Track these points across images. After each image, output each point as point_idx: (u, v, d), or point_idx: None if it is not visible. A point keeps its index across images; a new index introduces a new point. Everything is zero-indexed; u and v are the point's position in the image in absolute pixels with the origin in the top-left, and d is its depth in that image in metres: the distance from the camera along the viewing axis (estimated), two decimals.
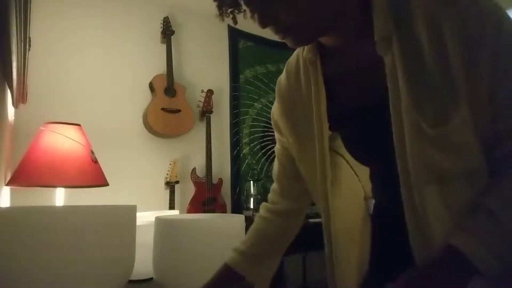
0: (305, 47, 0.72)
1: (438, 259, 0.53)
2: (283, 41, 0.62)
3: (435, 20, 0.55)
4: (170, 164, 2.46)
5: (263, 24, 0.59)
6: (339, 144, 0.75)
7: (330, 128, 0.70)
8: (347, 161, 0.78)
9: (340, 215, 0.74)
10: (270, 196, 0.91)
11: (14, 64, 1.16)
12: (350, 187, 0.79)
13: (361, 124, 0.67)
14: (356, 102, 0.67)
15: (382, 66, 0.58)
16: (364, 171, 0.78)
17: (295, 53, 0.79)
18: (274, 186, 0.90)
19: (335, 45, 0.67)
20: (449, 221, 0.54)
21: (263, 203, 0.91)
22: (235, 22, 0.61)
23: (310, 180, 0.76)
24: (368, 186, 0.79)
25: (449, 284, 0.51)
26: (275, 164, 0.90)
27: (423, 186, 0.54)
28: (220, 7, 0.60)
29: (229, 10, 0.60)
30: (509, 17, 0.55)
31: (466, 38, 0.53)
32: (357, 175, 0.79)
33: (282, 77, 0.82)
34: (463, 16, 0.53)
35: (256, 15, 0.58)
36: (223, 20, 0.61)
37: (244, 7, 0.59)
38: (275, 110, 0.84)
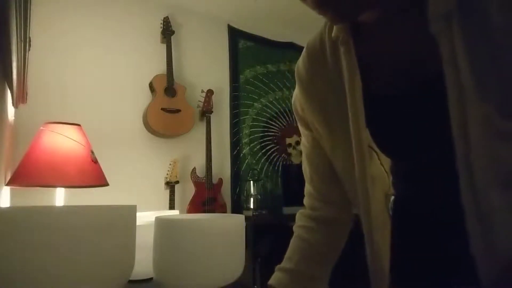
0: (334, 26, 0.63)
1: (509, 275, 0.45)
2: (321, 15, 0.53)
3: None
4: (170, 164, 2.46)
5: None
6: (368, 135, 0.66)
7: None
8: (377, 154, 0.67)
9: (373, 215, 0.65)
10: (307, 201, 0.80)
11: (14, 64, 1.16)
12: (380, 182, 0.69)
13: (395, 112, 0.59)
14: (392, 88, 0.58)
15: (431, 47, 0.49)
16: (388, 164, 0.69)
17: (316, 34, 0.70)
18: (310, 189, 0.79)
19: (372, 21, 0.58)
20: None
21: (300, 211, 0.80)
22: None
23: (346, 178, 0.67)
24: (391, 180, 0.70)
25: None
26: (305, 165, 0.80)
27: (491, 189, 0.46)
28: None
29: None
30: None
31: None
32: (385, 170, 0.69)
33: (301, 61, 0.72)
34: None
35: None
36: None
37: None
38: (298, 100, 0.74)
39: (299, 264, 0.73)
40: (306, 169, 0.79)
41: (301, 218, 0.79)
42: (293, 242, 0.77)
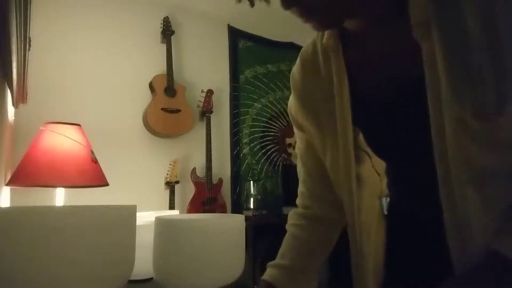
0: (325, 33, 0.66)
1: (480, 265, 0.47)
2: (306, 23, 0.55)
3: (486, 1, 0.47)
4: (170, 164, 2.46)
5: (287, 5, 0.52)
6: (361, 139, 0.68)
7: (353, 122, 0.63)
8: (369, 157, 0.70)
9: (361, 214, 0.68)
10: (299, 200, 0.83)
11: (14, 64, 1.16)
12: (371, 185, 0.72)
13: (387, 116, 0.61)
14: (382, 93, 0.60)
15: (415, 52, 0.52)
16: (382, 167, 0.71)
17: (310, 41, 0.73)
18: (302, 189, 0.83)
19: (360, 29, 0.60)
20: (491, 223, 0.49)
21: (293, 210, 0.84)
22: (252, 4, 0.54)
23: (334, 177, 0.69)
24: (385, 183, 0.73)
25: None
26: (299, 166, 0.83)
27: (464, 186, 0.49)
28: None
29: None
30: None
31: None
32: (377, 172, 0.72)
33: (295, 69, 0.75)
34: None
35: None
36: (240, 1, 0.54)
37: None
38: (292, 105, 0.78)
39: (292, 260, 0.76)
40: (300, 170, 0.83)
41: (293, 216, 0.82)
42: (286, 239, 0.80)
